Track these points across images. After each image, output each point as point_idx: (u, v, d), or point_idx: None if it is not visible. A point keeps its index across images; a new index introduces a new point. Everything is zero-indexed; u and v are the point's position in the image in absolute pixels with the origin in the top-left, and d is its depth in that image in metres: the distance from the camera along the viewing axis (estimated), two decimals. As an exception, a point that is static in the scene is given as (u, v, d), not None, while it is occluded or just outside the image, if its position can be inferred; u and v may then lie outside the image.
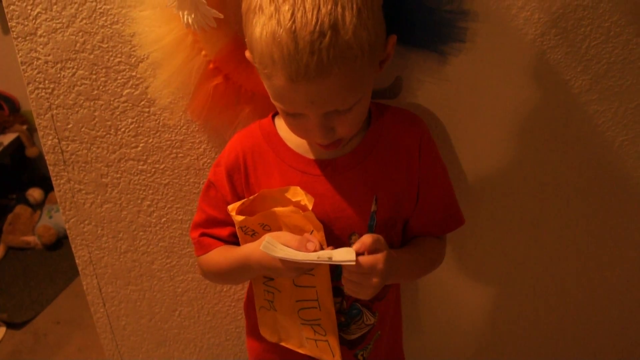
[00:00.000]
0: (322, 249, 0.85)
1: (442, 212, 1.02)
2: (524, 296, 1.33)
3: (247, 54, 0.84)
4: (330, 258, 0.82)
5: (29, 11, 1.03)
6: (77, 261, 1.28)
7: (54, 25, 1.04)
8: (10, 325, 2.37)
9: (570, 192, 1.17)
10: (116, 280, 1.32)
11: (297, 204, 0.89)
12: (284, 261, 0.85)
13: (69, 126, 1.13)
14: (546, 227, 1.22)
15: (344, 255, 0.82)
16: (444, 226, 1.04)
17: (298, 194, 0.89)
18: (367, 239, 0.84)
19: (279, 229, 0.91)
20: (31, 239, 2.78)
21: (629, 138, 1.10)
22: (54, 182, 1.19)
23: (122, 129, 1.13)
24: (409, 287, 1.31)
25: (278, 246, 0.85)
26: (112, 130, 1.14)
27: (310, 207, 0.87)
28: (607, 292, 1.30)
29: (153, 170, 1.18)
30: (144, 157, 1.17)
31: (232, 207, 0.92)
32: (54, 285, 2.54)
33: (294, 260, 0.82)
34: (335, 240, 0.91)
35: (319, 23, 0.71)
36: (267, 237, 0.86)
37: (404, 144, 0.96)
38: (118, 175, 1.19)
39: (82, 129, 1.14)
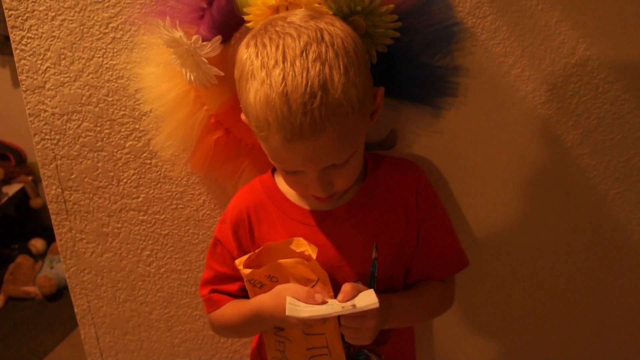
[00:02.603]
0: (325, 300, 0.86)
1: (444, 254, 1.03)
2: (532, 340, 1.31)
3: (243, 117, 0.87)
4: (354, 306, 0.83)
5: (39, 65, 1.07)
6: (75, 310, 1.29)
7: (62, 79, 1.08)
8: (7, 377, 2.34)
9: (566, 243, 1.18)
10: (114, 330, 1.32)
11: (302, 255, 0.90)
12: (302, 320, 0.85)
13: (73, 176, 1.16)
14: (542, 274, 1.22)
15: (366, 300, 0.83)
16: (447, 269, 1.04)
17: (302, 245, 0.91)
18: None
19: (286, 280, 0.92)
20: (32, 289, 2.77)
21: (620, 191, 1.12)
22: (55, 231, 1.21)
23: (124, 180, 1.16)
24: (423, 331, 1.30)
25: (301, 305, 0.85)
26: (115, 181, 1.16)
27: (314, 256, 0.89)
28: (607, 341, 1.29)
29: (153, 220, 1.20)
30: (145, 208, 1.19)
31: (239, 261, 0.94)
32: (52, 336, 2.52)
33: (322, 317, 0.83)
34: (339, 288, 0.92)
35: (309, 85, 0.74)
36: (288, 299, 0.86)
37: (400, 191, 0.98)
38: (119, 225, 1.21)
39: (85, 180, 1.16)
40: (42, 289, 2.73)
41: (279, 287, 0.91)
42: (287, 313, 0.83)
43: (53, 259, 2.85)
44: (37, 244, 2.98)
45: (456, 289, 1.09)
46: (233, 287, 1.02)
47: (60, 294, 2.77)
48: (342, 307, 0.83)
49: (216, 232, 1.03)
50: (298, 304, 0.85)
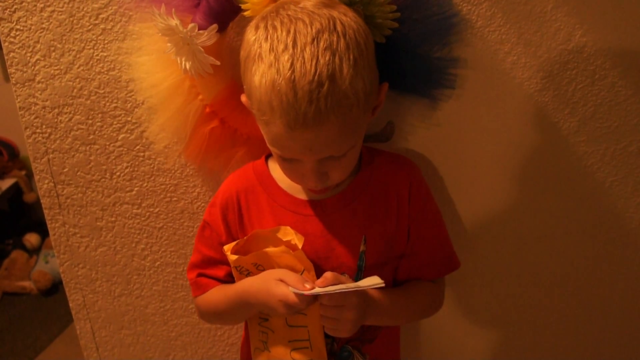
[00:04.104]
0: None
1: (435, 255, 1.02)
2: (523, 339, 1.32)
3: (244, 98, 0.86)
4: (357, 286, 0.83)
5: (29, 58, 1.06)
6: (70, 305, 1.28)
7: (52, 71, 1.07)
8: (3, 372, 2.34)
9: (564, 233, 1.18)
10: (110, 324, 1.31)
11: (288, 244, 0.90)
12: (283, 301, 0.85)
13: (65, 170, 1.15)
14: (541, 268, 1.22)
15: (370, 281, 0.83)
16: (437, 270, 1.03)
17: (288, 234, 0.91)
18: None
19: (272, 268, 0.92)
20: (27, 284, 2.76)
21: (618, 178, 1.12)
22: (49, 226, 1.20)
23: (117, 173, 1.15)
24: (409, 331, 1.30)
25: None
26: (108, 174, 1.15)
27: (300, 246, 0.88)
28: (605, 330, 1.30)
29: (147, 214, 1.19)
30: (139, 201, 1.18)
31: (228, 247, 0.94)
32: (48, 331, 2.52)
33: (326, 292, 0.82)
34: None
35: (317, 73, 0.73)
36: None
37: (393, 187, 0.97)
38: (113, 219, 1.20)
39: (78, 173, 1.15)
40: (37, 284, 2.72)
41: (266, 271, 0.91)
42: (291, 290, 0.83)
43: (48, 253, 2.84)
44: (31, 238, 2.97)
45: (447, 288, 1.08)
46: (220, 271, 1.01)
47: (55, 288, 2.77)
48: (347, 286, 0.83)
49: (205, 215, 1.02)
50: None
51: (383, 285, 0.82)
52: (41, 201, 1.17)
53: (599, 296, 1.24)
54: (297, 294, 0.84)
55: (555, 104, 1.05)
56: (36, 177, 1.15)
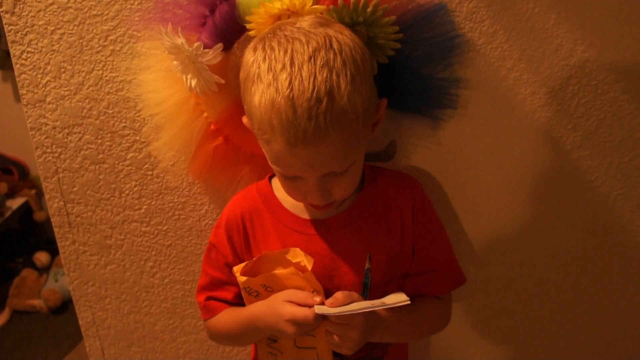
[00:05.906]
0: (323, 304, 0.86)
1: (441, 271, 1.01)
2: (532, 353, 1.31)
3: (245, 119, 0.87)
4: (383, 303, 0.83)
5: (39, 79, 1.08)
6: (80, 322, 1.29)
7: (62, 92, 1.09)
8: (13, 391, 2.34)
9: (569, 247, 1.18)
10: (119, 341, 1.32)
11: (297, 265, 0.90)
12: (291, 320, 0.85)
13: (75, 189, 1.16)
14: (547, 282, 1.22)
15: (395, 298, 0.84)
16: (442, 285, 1.03)
17: (298, 255, 0.91)
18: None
19: (281, 290, 0.92)
20: (37, 302, 2.76)
21: (622, 192, 1.12)
22: (59, 244, 1.21)
23: (126, 192, 1.16)
24: (418, 348, 1.30)
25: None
26: (117, 192, 1.16)
27: (309, 268, 0.88)
28: (615, 345, 1.29)
29: (156, 231, 1.20)
30: (147, 219, 1.19)
31: (237, 269, 0.94)
32: (58, 349, 2.52)
33: (350, 313, 0.82)
34: None
35: (315, 90, 0.74)
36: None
37: (397, 204, 0.97)
38: (122, 237, 1.21)
39: (88, 192, 1.16)
40: (47, 302, 2.73)
41: (274, 295, 0.91)
42: (315, 311, 0.83)
43: (58, 272, 2.85)
44: (41, 257, 2.98)
45: (455, 303, 1.08)
46: (229, 294, 1.02)
47: (65, 307, 2.77)
48: (372, 304, 0.83)
49: (211, 237, 1.03)
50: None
51: (409, 302, 0.81)
52: (51, 220, 1.19)
53: (605, 309, 1.24)
54: (318, 314, 0.84)
55: (559, 119, 1.06)
56: (46, 196, 1.17)
